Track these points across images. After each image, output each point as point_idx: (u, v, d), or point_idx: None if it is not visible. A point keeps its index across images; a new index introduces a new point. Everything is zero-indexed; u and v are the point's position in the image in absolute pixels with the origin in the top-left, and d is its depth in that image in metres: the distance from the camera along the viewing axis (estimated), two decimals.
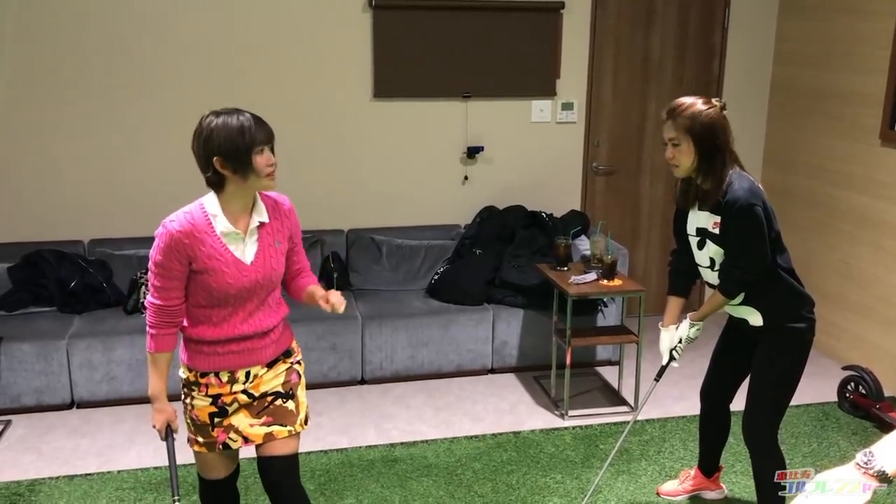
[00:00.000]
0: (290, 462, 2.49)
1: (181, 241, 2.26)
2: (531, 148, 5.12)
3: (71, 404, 4.20)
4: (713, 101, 2.76)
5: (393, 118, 4.91)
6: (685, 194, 2.88)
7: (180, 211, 2.33)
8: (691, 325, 2.99)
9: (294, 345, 2.58)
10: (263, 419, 2.45)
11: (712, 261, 2.85)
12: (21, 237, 4.55)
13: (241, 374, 2.43)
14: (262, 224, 2.37)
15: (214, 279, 2.30)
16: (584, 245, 4.67)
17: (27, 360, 4.04)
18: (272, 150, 2.33)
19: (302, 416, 2.52)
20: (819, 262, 4.91)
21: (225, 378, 2.42)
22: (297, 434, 2.52)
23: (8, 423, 4.03)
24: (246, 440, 2.46)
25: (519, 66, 4.95)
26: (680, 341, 3.02)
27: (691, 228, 2.89)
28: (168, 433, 2.45)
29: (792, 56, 5.14)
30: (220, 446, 2.46)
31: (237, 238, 2.33)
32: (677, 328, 3.04)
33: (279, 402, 2.47)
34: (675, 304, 3.08)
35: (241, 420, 2.44)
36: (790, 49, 5.15)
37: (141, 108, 4.59)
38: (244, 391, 2.44)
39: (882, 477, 1.43)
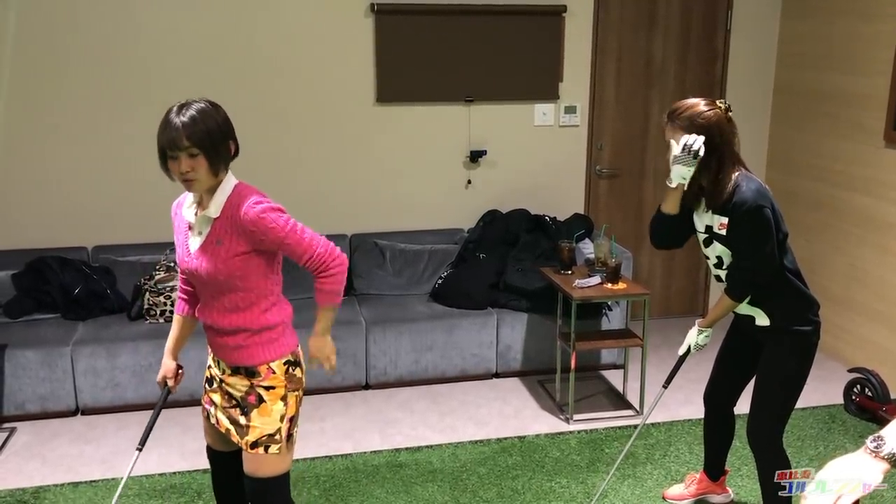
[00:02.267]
0: (264, 484, 2.46)
1: (172, 212, 2.51)
2: (534, 151, 5.12)
3: (75, 411, 4.20)
4: (717, 102, 2.75)
5: (396, 122, 4.91)
6: (691, 195, 2.87)
7: None
8: (700, 332, 2.97)
9: (263, 369, 2.42)
10: (228, 414, 2.52)
11: (720, 259, 2.84)
12: (24, 244, 4.56)
13: (218, 360, 2.53)
14: (216, 219, 2.33)
15: (176, 251, 2.49)
16: (587, 248, 4.66)
17: (31, 367, 4.04)
18: (195, 156, 2.24)
19: (250, 437, 2.43)
20: (825, 264, 4.89)
21: (212, 354, 2.56)
22: (281, 454, 2.45)
23: (13, 430, 4.03)
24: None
25: (521, 69, 4.95)
26: (689, 349, 3.00)
27: (699, 226, 2.88)
28: (164, 385, 2.68)
29: (795, 58, 5.13)
30: (205, 415, 2.63)
31: (194, 225, 2.38)
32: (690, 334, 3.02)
33: (237, 409, 2.48)
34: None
35: (217, 400, 2.55)
36: (793, 51, 5.14)
37: (144, 113, 4.58)
38: (220, 379, 2.52)
39: (893, 459, 1.45)
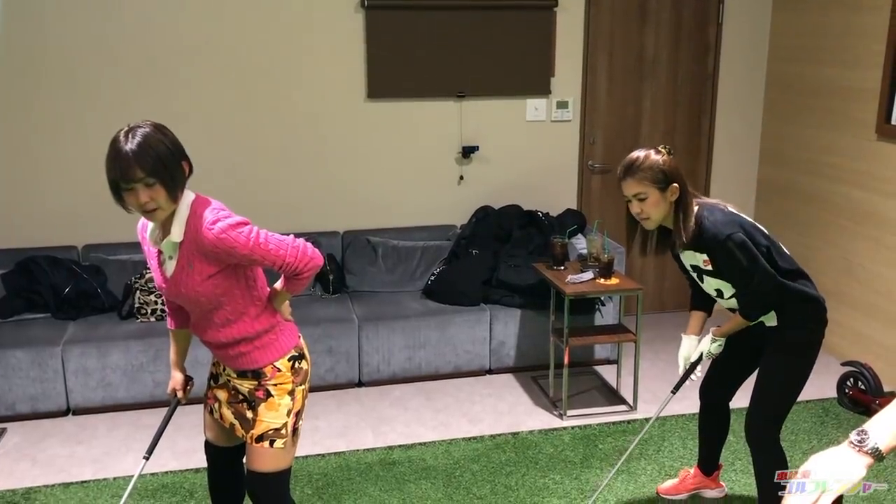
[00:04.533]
0: (265, 479, 2.45)
1: (139, 235, 2.44)
2: (526, 147, 5.10)
3: (66, 411, 4.17)
4: (661, 149, 2.76)
5: (387, 118, 4.88)
6: (660, 243, 2.86)
7: None
8: (713, 341, 2.97)
9: (269, 369, 2.42)
10: (233, 409, 2.51)
11: (719, 291, 2.86)
12: (14, 243, 4.52)
13: (220, 364, 2.53)
14: (181, 242, 2.25)
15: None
16: (580, 244, 4.65)
17: (22, 368, 4.01)
18: (151, 185, 2.13)
19: (255, 431, 2.42)
20: (818, 258, 4.89)
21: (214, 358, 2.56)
22: (285, 449, 2.45)
23: (3, 430, 4.00)
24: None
25: (513, 64, 4.93)
26: (700, 356, 3.00)
27: (686, 265, 2.91)
28: (173, 397, 2.69)
29: (787, 51, 5.12)
30: (207, 410, 2.63)
31: (163, 250, 2.30)
32: (700, 341, 3.02)
33: (244, 404, 2.48)
34: (697, 317, 3.07)
35: (222, 396, 2.54)
36: (785, 44, 5.13)
37: (133, 110, 4.54)
38: (227, 378, 2.53)
39: (876, 454, 1.44)
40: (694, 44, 5.21)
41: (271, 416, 2.43)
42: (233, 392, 2.50)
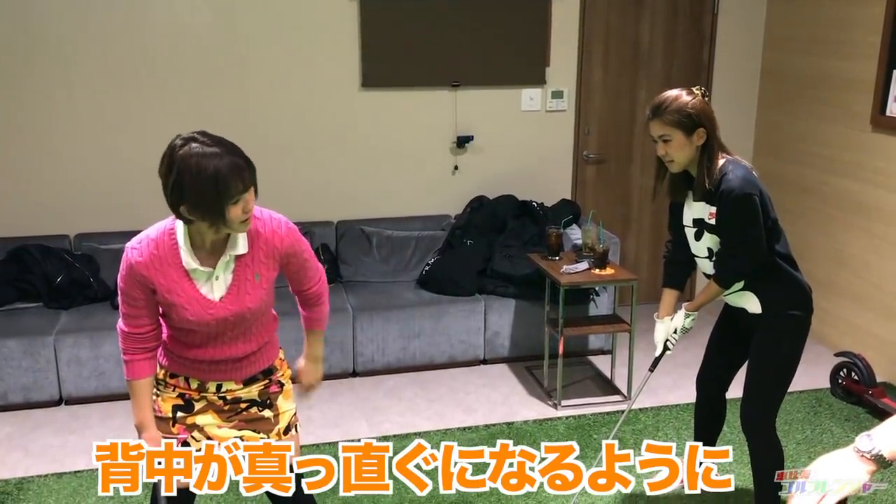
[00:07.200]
0: (298, 476, 2.24)
1: (140, 272, 2.11)
2: (521, 137, 5.09)
3: (59, 401, 4.15)
4: (694, 90, 2.73)
5: (382, 108, 4.86)
6: (675, 186, 2.86)
7: (146, 235, 2.15)
8: (686, 316, 2.97)
9: (277, 362, 2.38)
10: (234, 422, 2.31)
11: (710, 251, 2.83)
12: (5, 232, 4.49)
13: (211, 386, 2.28)
14: (239, 256, 2.15)
15: (175, 312, 2.14)
16: (575, 234, 4.64)
17: (14, 357, 3.99)
18: (255, 190, 2.07)
19: (282, 425, 2.35)
20: (811, 248, 4.90)
21: (194, 385, 2.29)
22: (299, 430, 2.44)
23: None
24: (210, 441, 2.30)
25: (508, 54, 4.91)
26: (675, 331, 3.00)
27: (687, 220, 2.87)
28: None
29: (782, 42, 5.12)
30: (180, 444, 2.24)
31: (205, 273, 2.14)
32: (672, 319, 3.02)
33: (254, 409, 2.33)
34: (669, 296, 3.06)
35: (208, 420, 2.29)
36: (781, 35, 5.13)
37: (127, 99, 4.52)
38: (222, 396, 2.32)
39: (880, 460, 1.43)
40: (689, 34, 5.20)
41: (288, 403, 2.40)
42: (228, 408, 2.30)
